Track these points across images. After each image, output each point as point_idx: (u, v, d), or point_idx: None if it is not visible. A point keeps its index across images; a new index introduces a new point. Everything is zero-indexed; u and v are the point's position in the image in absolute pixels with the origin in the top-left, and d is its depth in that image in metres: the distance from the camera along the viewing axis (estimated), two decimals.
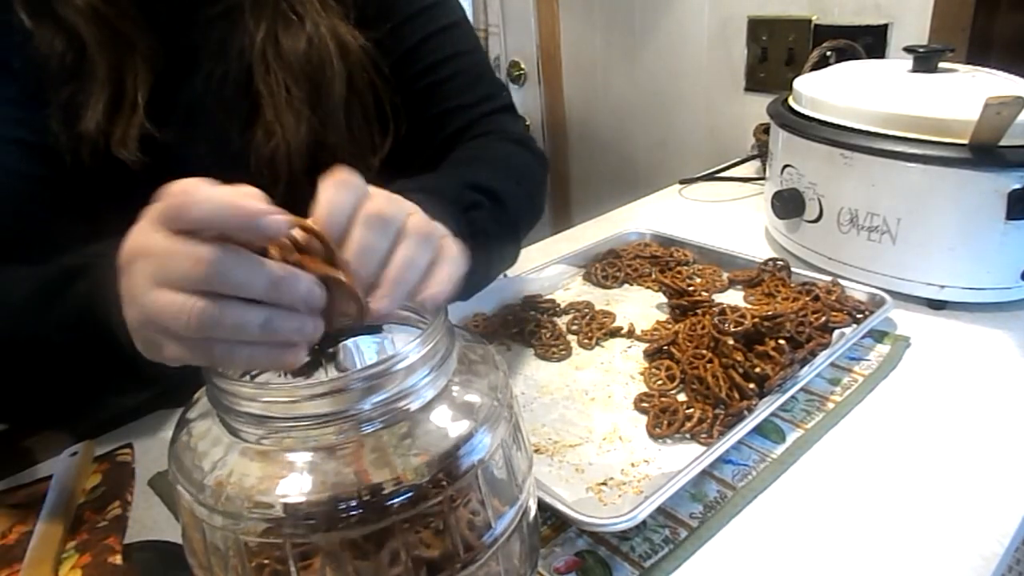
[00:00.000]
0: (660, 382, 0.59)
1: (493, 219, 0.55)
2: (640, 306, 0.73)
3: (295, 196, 0.38)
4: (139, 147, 0.52)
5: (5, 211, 0.52)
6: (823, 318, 0.62)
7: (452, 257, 0.35)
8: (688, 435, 0.53)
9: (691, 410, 0.54)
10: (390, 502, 0.30)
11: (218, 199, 0.28)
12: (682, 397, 0.57)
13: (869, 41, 1.07)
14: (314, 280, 0.30)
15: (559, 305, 0.73)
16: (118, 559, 0.45)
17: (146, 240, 0.29)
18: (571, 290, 0.78)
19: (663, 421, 0.54)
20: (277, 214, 0.29)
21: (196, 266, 0.28)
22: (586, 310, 0.71)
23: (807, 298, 0.68)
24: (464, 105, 0.65)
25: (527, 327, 0.68)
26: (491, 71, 0.71)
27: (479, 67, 0.68)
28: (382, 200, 0.33)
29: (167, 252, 0.28)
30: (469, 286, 0.51)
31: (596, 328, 0.68)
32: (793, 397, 0.56)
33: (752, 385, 0.54)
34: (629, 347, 0.66)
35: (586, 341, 0.66)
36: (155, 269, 0.29)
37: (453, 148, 0.63)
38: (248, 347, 0.29)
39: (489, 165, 0.60)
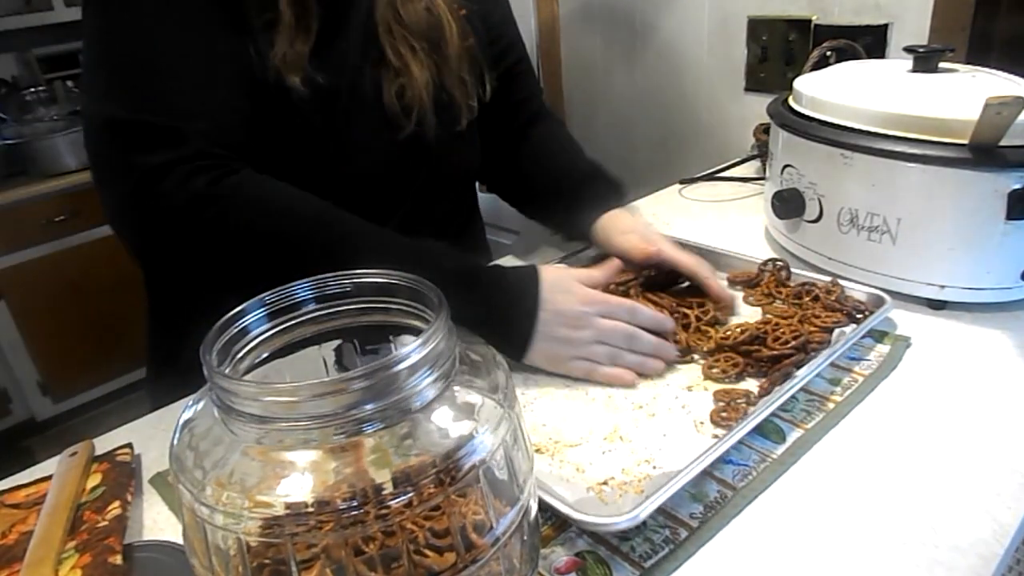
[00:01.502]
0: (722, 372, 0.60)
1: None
2: None
3: (423, 128, 0.67)
4: (302, 82, 0.60)
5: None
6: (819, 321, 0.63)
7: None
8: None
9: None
10: (391, 502, 0.30)
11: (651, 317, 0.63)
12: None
13: (869, 41, 1.07)
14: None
15: None
16: (118, 559, 0.45)
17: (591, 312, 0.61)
18: None
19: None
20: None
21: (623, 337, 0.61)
22: None
23: (807, 298, 0.68)
24: (532, 96, 0.86)
25: None
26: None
27: (532, 67, 0.87)
28: None
29: (610, 328, 0.61)
30: None
31: None
32: (793, 397, 0.56)
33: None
34: None
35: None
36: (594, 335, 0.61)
37: (530, 126, 0.84)
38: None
39: (577, 152, 0.87)
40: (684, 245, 0.82)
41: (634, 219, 0.78)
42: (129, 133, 0.55)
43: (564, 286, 0.62)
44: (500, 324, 0.60)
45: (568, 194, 0.81)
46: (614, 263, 0.71)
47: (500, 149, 0.83)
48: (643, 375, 0.61)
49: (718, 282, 0.69)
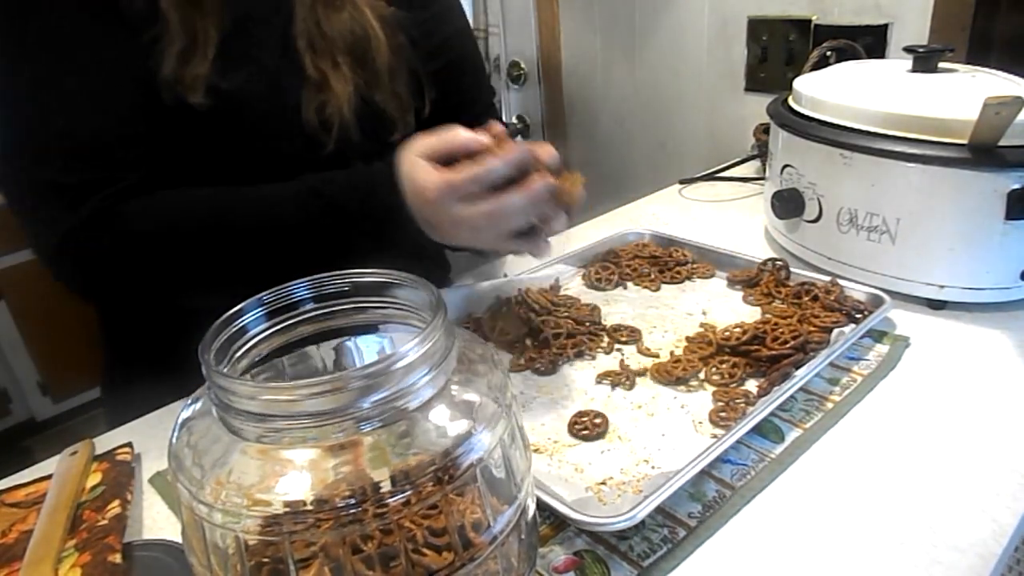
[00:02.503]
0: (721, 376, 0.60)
1: None
2: (638, 306, 0.73)
3: (346, 145, 0.64)
4: (205, 93, 0.58)
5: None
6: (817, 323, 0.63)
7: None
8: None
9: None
10: (389, 501, 0.30)
11: (499, 167, 0.53)
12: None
13: (869, 41, 1.07)
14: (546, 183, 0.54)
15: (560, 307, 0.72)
16: (118, 558, 0.45)
17: (431, 177, 0.53)
18: (570, 290, 0.78)
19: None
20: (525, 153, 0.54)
21: (488, 220, 0.53)
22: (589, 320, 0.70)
23: (807, 298, 0.68)
24: (474, 100, 0.80)
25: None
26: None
27: (482, 68, 0.84)
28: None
29: (459, 183, 0.52)
30: None
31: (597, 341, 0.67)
32: (792, 397, 0.56)
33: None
34: (628, 347, 0.66)
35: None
36: (452, 194, 0.52)
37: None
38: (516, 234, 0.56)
39: None
40: (684, 245, 0.82)
41: None
42: (22, 165, 0.56)
43: (418, 184, 0.55)
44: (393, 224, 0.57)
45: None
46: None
47: None
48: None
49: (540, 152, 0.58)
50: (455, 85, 0.75)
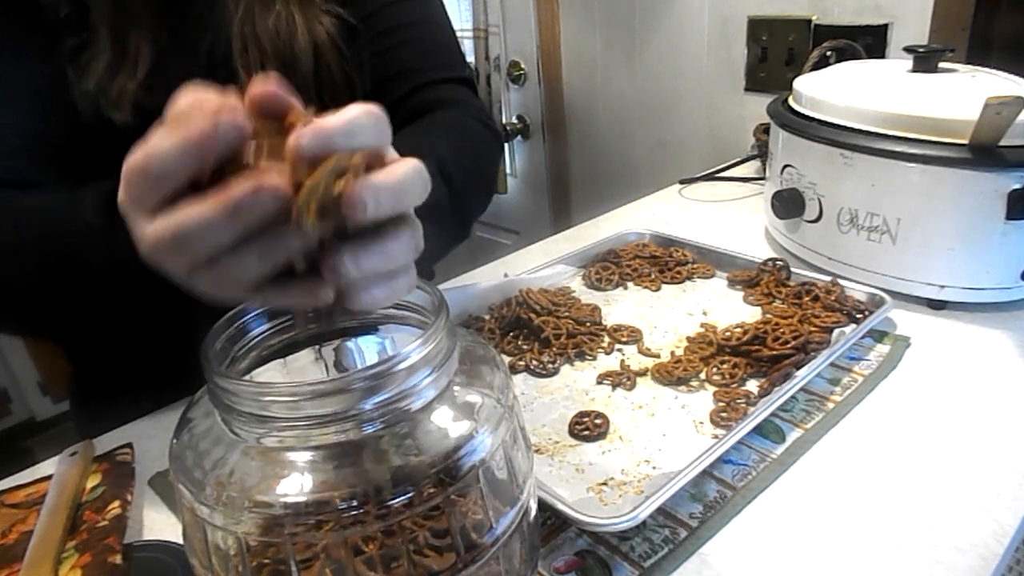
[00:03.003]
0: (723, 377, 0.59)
1: (452, 209, 0.59)
2: (638, 306, 0.73)
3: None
4: (132, 111, 0.54)
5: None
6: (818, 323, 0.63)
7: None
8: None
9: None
10: (390, 502, 0.30)
11: (166, 149, 0.27)
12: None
13: (869, 41, 1.07)
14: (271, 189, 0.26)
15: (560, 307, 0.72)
16: (118, 559, 0.45)
17: (136, 230, 0.28)
18: (571, 291, 0.78)
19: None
20: (226, 116, 0.27)
21: (171, 251, 0.27)
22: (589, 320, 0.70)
23: (807, 298, 0.68)
24: (414, 70, 0.67)
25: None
26: (455, 45, 0.72)
27: (438, 37, 0.70)
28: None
29: (152, 242, 0.27)
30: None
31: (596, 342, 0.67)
32: (793, 397, 0.56)
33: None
34: (628, 348, 0.66)
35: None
36: (150, 252, 0.28)
37: (404, 112, 0.65)
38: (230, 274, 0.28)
39: (451, 144, 0.62)
40: (684, 245, 0.82)
41: None
42: None
43: None
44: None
45: None
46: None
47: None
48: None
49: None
50: (389, 57, 0.67)
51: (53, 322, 0.59)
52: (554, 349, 0.65)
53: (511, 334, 0.68)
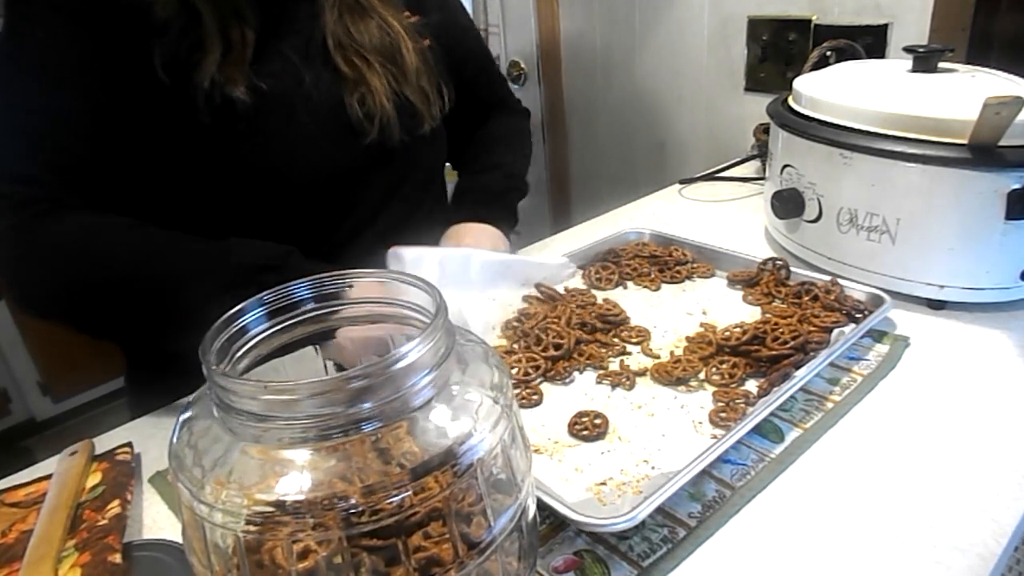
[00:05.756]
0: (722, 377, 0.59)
1: (521, 198, 0.84)
2: (638, 306, 0.73)
3: (385, 136, 0.69)
4: (246, 91, 0.60)
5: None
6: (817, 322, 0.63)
7: None
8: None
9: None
10: (389, 501, 0.30)
11: None
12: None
13: (869, 41, 1.07)
14: None
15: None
16: (118, 558, 0.45)
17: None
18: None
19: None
20: None
21: None
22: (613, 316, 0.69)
23: (807, 298, 0.68)
24: (496, 91, 0.92)
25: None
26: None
27: (490, 59, 0.92)
28: None
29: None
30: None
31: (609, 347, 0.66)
32: (792, 397, 0.56)
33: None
34: (633, 348, 0.66)
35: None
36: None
37: (491, 111, 0.90)
38: None
39: (512, 148, 0.88)
40: (684, 244, 0.82)
41: (479, 232, 0.77)
42: None
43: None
44: None
45: (464, 187, 0.84)
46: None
47: (462, 136, 0.87)
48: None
49: None
50: (471, 88, 0.83)
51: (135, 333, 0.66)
52: (566, 363, 0.63)
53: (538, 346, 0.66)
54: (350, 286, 0.39)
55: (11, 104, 0.58)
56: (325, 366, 0.42)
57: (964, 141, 0.62)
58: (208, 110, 0.59)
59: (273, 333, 0.37)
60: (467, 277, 0.69)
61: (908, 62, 0.76)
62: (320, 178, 0.68)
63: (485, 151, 0.87)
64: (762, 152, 1.09)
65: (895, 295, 0.66)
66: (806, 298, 0.68)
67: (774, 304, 0.70)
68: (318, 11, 0.67)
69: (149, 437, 0.60)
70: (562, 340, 0.64)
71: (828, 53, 0.99)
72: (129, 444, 0.58)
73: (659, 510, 0.47)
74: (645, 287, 0.77)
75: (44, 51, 0.58)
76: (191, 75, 0.59)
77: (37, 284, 0.59)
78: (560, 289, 0.76)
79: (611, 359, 0.64)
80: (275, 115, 0.63)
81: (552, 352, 0.63)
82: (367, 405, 0.30)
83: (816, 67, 0.88)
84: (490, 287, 0.71)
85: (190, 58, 0.59)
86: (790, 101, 0.81)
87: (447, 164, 0.89)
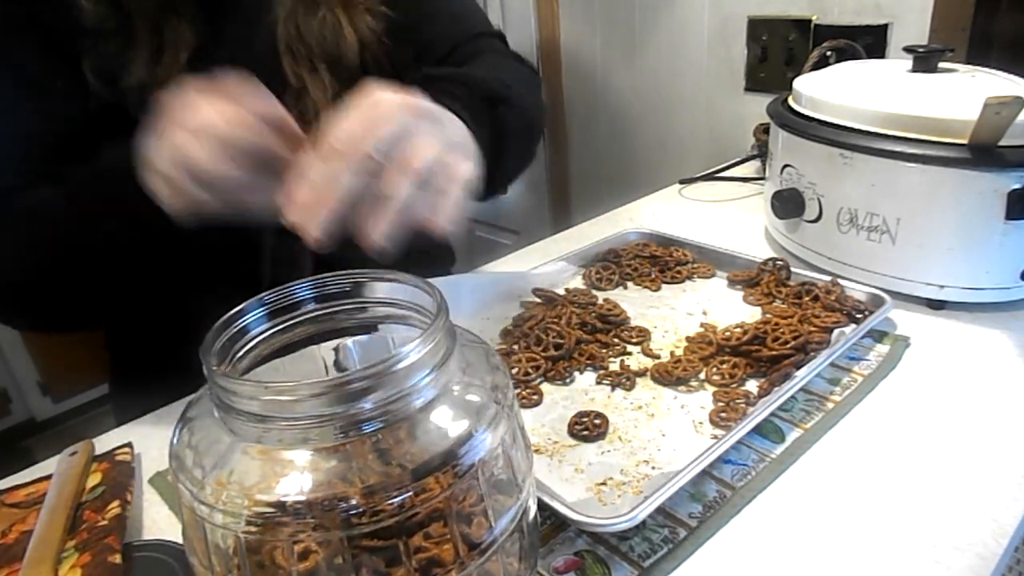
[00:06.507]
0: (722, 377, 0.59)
1: (514, 115, 0.63)
2: (638, 306, 0.73)
3: None
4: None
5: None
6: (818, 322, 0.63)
7: (460, 179, 0.39)
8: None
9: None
10: (390, 501, 0.30)
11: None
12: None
13: (869, 41, 1.07)
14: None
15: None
16: (118, 558, 0.45)
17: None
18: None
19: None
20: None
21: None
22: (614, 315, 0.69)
23: (807, 298, 0.68)
24: (449, 33, 0.73)
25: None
26: (479, 9, 0.79)
27: (465, 3, 0.77)
28: (389, 123, 0.38)
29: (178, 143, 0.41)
30: (494, 183, 0.60)
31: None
32: (792, 397, 0.56)
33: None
34: (634, 348, 0.66)
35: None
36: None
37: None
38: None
39: (502, 72, 0.68)
40: (684, 245, 0.82)
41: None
42: None
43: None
44: None
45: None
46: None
47: None
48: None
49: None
50: (426, 25, 0.72)
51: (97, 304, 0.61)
52: (566, 363, 0.63)
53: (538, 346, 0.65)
54: (350, 286, 0.39)
55: None
56: (325, 366, 0.42)
57: (964, 141, 0.62)
58: (139, 114, 0.54)
59: (273, 333, 0.37)
60: (458, 306, 0.66)
61: (908, 62, 0.76)
62: None
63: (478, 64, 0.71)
64: (762, 152, 1.09)
65: (895, 295, 0.66)
66: (806, 298, 0.68)
67: (774, 304, 0.70)
68: (265, 6, 0.62)
69: (149, 437, 0.60)
70: (562, 340, 0.64)
71: (828, 53, 0.99)
72: (129, 444, 0.58)
73: (660, 510, 0.47)
74: (645, 287, 0.77)
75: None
76: (119, 76, 0.55)
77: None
78: (560, 290, 0.76)
79: (611, 359, 0.64)
80: None
81: (552, 352, 0.63)
82: (368, 405, 0.30)
83: (816, 67, 0.88)
84: (483, 309, 0.70)
85: (119, 58, 0.55)
86: (790, 101, 0.81)
87: None
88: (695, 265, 0.80)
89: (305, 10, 0.63)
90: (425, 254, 0.79)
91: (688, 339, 0.65)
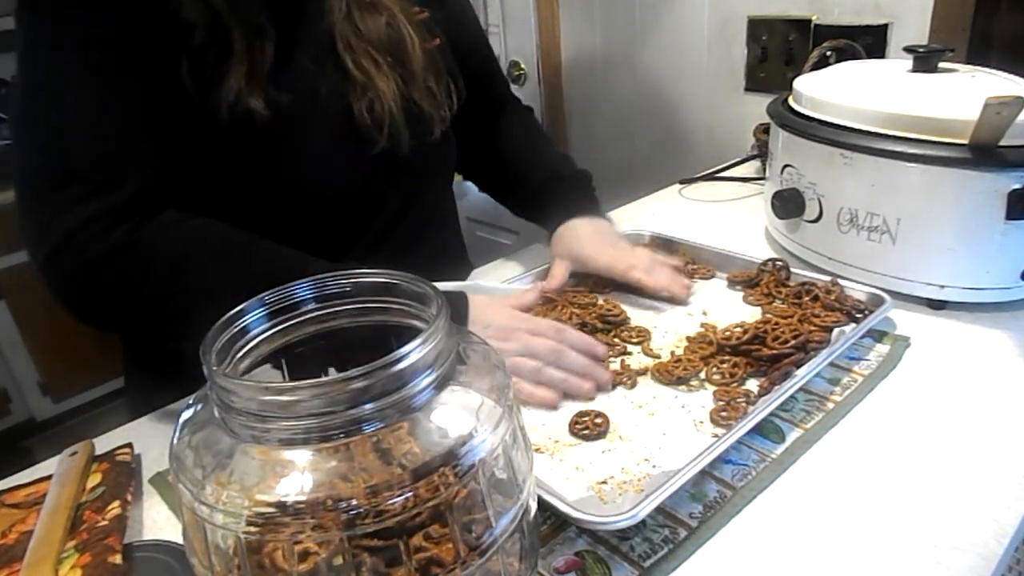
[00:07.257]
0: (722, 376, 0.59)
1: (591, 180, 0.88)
2: (638, 306, 0.73)
3: (395, 143, 0.66)
4: (263, 104, 0.59)
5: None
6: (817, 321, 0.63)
7: None
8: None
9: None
10: (391, 502, 0.30)
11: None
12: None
13: (869, 41, 1.07)
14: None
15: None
16: (118, 559, 0.45)
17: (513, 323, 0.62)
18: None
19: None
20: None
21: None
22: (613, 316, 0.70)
23: (807, 298, 0.68)
24: (502, 90, 0.91)
25: None
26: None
27: (495, 59, 0.90)
28: None
29: (537, 343, 0.60)
30: None
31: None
32: (793, 397, 0.56)
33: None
34: (633, 347, 0.66)
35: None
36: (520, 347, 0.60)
37: (498, 114, 0.88)
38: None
39: (547, 142, 0.92)
40: (684, 245, 0.82)
41: (593, 227, 0.78)
42: (52, 188, 0.54)
43: (493, 304, 0.64)
44: None
45: (536, 193, 0.83)
46: (538, 289, 0.73)
47: (473, 141, 0.85)
48: (568, 396, 0.59)
49: (681, 286, 0.74)
50: (477, 82, 0.79)
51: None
52: None
53: None
54: (350, 286, 0.39)
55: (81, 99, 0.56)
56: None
57: (964, 141, 0.62)
58: (229, 121, 0.58)
59: (274, 333, 0.37)
60: None
61: (908, 62, 0.76)
62: (334, 192, 0.67)
63: (531, 148, 0.87)
64: (762, 152, 1.09)
65: (895, 295, 0.66)
66: (806, 298, 0.68)
67: (774, 304, 0.70)
68: (326, 8, 0.64)
69: (149, 437, 0.60)
70: None
71: (828, 53, 0.99)
72: (129, 444, 0.58)
73: (660, 510, 0.47)
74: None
75: (100, 49, 0.56)
76: (216, 87, 0.58)
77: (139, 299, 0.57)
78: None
79: (612, 359, 0.64)
80: (292, 129, 0.62)
81: None
82: (368, 406, 0.30)
83: (816, 67, 0.88)
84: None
85: (217, 70, 0.58)
86: (790, 101, 0.81)
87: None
88: (695, 266, 0.79)
89: (360, 12, 0.66)
90: (443, 254, 0.82)
91: (688, 339, 0.65)
